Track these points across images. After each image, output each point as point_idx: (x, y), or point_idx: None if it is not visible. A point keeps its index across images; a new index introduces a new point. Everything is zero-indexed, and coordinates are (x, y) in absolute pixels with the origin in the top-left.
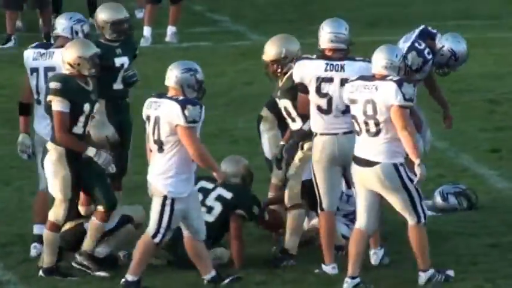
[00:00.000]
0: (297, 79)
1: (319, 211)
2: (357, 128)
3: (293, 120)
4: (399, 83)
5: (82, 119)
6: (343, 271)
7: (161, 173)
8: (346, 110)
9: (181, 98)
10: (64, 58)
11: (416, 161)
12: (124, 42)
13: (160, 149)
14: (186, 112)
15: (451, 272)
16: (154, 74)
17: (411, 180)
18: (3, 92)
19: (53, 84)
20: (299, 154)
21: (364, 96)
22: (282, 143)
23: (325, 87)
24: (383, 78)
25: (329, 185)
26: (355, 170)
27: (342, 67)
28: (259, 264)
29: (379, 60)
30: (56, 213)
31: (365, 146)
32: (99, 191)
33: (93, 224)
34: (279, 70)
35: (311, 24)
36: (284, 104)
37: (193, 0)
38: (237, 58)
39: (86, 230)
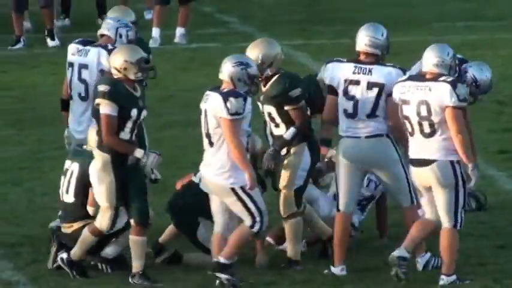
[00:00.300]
0: (326, 81)
1: (335, 211)
2: (410, 129)
3: (277, 125)
4: (453, 84)
5: (129, 124)
6: (352, 272)
7: (218, 169)
8: (371, 114)
9: (226, 89)
10: (111, 63)
11: (470, 166)
12: (135, 45)
13: (210, 142)
14: (228, 104)
15: (468, 281)
16: (163, 75)
17: (463, 181)
18: (12, 93)
19: (102, 87)
20: (286, 163)
21: (417, 97)
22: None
23: (352, 90)
24: (435, 78)
25: (348, 187)
26: (414, 172)
27: (370, 71)
28: (269, 264)
29: (431, 58)
30: (101, 221)
31: (420, 147)
32: (136, 204)
33: (132, 242)
34: (259, 75)
35: (319, 25)
36: (268, 109)
37: (202, 1)
38: None
39: None
